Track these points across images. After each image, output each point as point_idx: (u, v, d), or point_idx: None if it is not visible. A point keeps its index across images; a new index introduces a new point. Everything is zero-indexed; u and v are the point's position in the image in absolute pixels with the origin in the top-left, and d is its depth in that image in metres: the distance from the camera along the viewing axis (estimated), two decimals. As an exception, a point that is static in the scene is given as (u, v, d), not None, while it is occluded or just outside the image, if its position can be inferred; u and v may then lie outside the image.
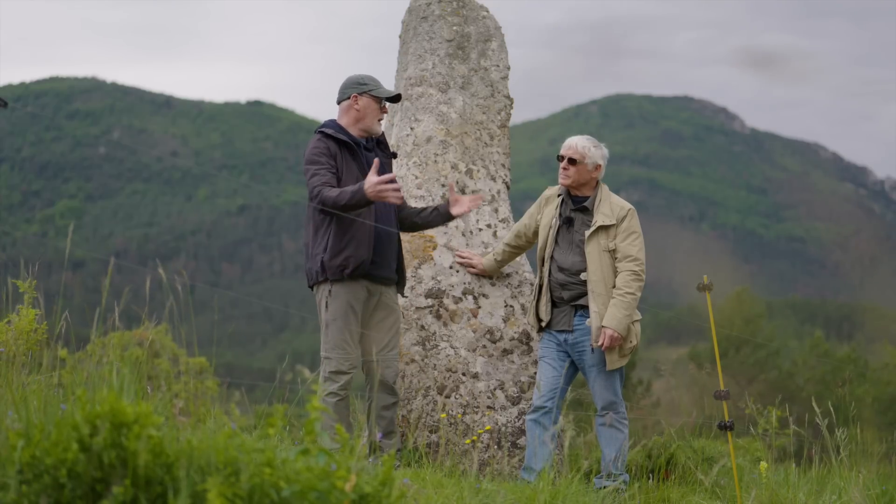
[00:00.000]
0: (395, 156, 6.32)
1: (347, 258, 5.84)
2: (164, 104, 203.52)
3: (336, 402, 5.86)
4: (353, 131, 6.06)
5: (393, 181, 5.68)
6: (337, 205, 5.75)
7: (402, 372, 6.50)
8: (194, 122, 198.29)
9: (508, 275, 6.82)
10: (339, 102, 6.14)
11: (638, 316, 6.20)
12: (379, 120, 6.10)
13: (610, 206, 6.25)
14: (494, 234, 6.92)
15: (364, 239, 5.86)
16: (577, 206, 6.31)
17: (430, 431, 6.47)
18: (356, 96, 6.05)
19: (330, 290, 5.91)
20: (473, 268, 6.71)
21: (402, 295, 6.29)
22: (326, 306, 5.92)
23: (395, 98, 6.15)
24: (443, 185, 6.87)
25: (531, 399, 6.49)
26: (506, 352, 6.68)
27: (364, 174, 5.93)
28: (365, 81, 6.08)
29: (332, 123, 6.09)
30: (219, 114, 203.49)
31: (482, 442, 6.45)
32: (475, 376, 6.57)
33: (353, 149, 5.99)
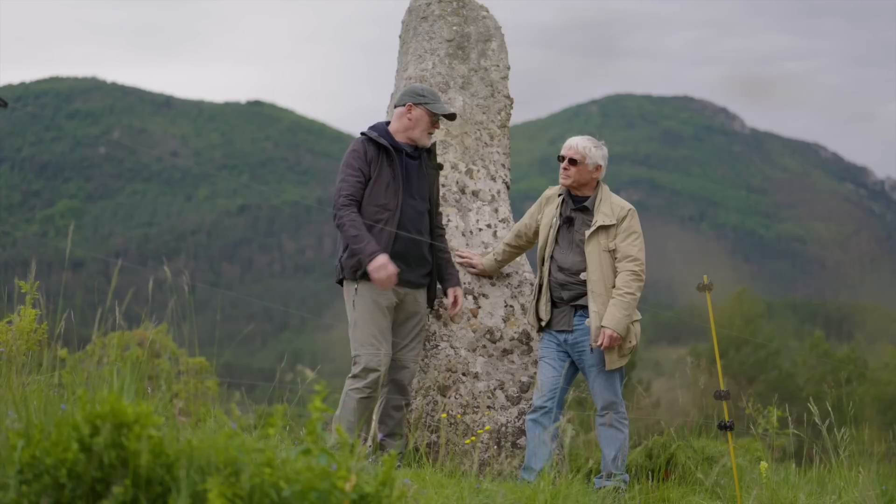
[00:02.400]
0: (441, 167, 6.35)
1: (360, 261, 5.88)
2: (163, 104, 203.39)
3: (359, 400, 5.88)
4: (400, 138, 6.11)
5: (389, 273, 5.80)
6: (344, 236, 5.93)
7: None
8: (194, 122, 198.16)
9: (508, 275, 6.82)
10: (395, 107, 6.19)
11: (638, 316, 6.20)
12: (429, 133, 6.13)
13: (610, 206, 6.24)
14: (494, 234, 6.91)
15: (381, 244, 5.89)
16: (577, 205, 6.30)
17: (431, 431, 6.46)
18: (411, 105, 6.09)
19: (356, 289, 5.97)
20: (473, 268, 6.71)
21: (431, 307, 6.32)
22: (354, 305, 6.00)
23: (451, 116, 6.18)
24: (443, 185, 6.86)
25: (531, 399, 6.49)
26: (506, 352, 6.67)
27: (397, 181, 5.97)
28: (424, 94, 6.12)
29: (380, 126, 6.17)
30: (219, 114, 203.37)
31: (482, 442, 6.45)
32: (475, 376, 6.56)
33: (392, 154, 6.02)
